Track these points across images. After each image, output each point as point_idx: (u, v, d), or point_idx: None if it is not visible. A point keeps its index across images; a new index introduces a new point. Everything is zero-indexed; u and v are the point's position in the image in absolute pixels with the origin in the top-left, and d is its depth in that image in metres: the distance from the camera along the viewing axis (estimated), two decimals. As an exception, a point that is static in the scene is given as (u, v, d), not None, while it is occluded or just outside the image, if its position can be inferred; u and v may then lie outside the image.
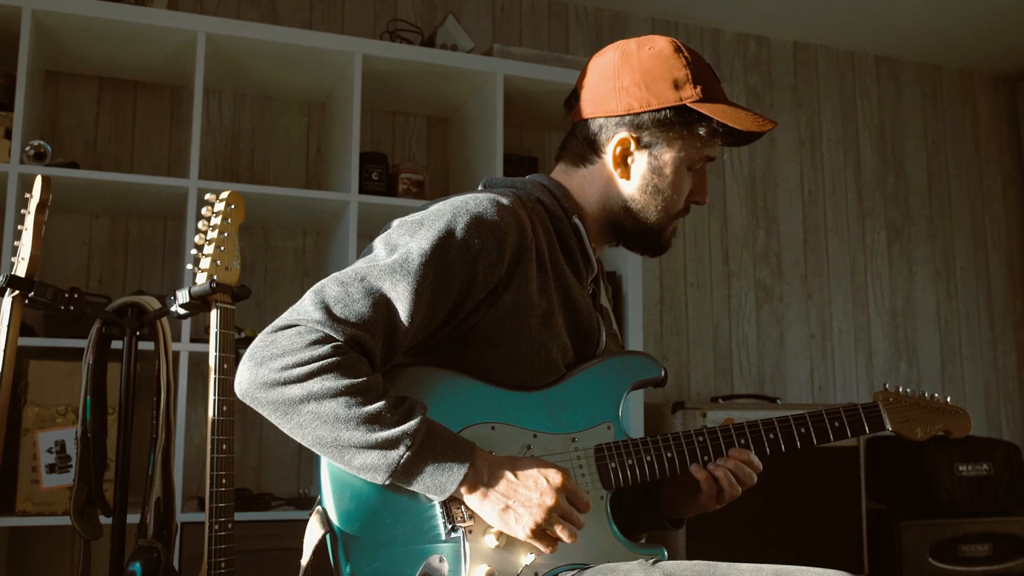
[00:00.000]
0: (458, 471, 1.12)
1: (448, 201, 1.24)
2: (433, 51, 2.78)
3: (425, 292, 1.15)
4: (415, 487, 1.13)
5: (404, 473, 1.10)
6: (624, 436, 1.29)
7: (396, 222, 1.26)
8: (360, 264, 1.19)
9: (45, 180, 1.71)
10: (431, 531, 1.16)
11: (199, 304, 1.66)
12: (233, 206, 1.69)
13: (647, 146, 1.32)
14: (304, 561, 1.16)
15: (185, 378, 2.40)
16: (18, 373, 2.30)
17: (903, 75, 4.05)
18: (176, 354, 2.35)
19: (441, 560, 1.15)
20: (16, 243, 1.71)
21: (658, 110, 1.29)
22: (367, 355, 1.14)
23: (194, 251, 1.68)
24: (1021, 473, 3.31)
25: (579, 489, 1.17)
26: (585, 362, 1.32)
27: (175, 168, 2.83)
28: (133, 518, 1.76)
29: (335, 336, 1.11)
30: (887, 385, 1.43)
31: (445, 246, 1.17)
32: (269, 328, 1.14)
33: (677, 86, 1.29)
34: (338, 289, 1.14)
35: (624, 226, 1.37)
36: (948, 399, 1.45)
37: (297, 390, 1.09)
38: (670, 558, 1.21)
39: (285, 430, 1.13)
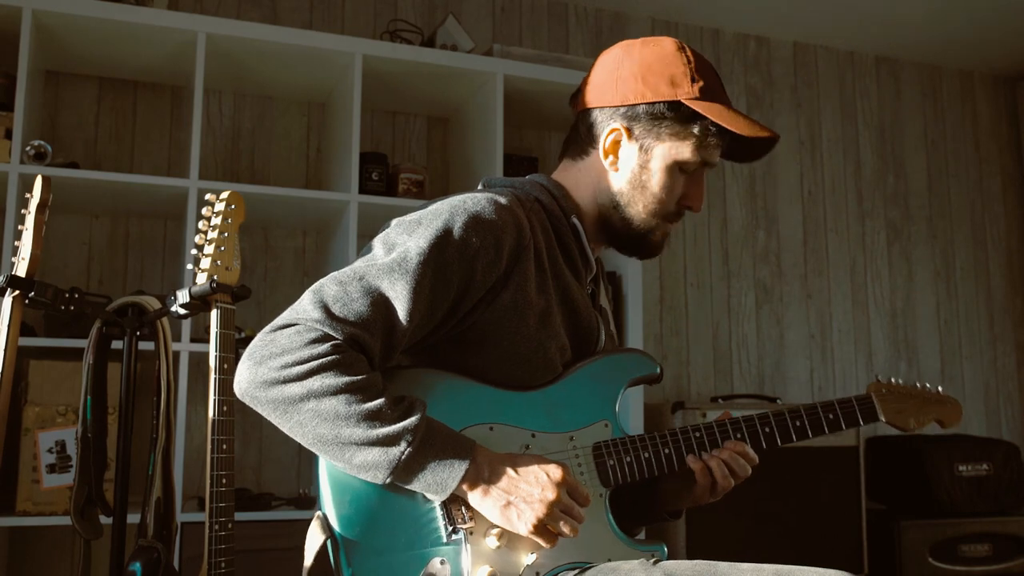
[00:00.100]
0: (459, 467, 1.12)
1: (446, 201, 1.24)
2: (433, 51, 2.78)
3: (423, 291, 1.15)
4: (415, 485, 1.12)
5: (405, 470, 1.10)
6: (621, 433, 1.29)
7: (394, 221, 1.26)
8: (359, 263, 1.19)
9: (45, 180, 1.71)
10: (432, 533, 1.16)
11: (199, 304, 1.66)
12: (233, 206, 1.69)
13: (639, 139, 1.31)
14: (306, 566, 1.16)
15: (185, 378, 2.40)
16: (18, 373, 2.30)
17: (903, 75, 4.05)
18: (176, 354, 2.35)
19: (443, 562, 1.15)
20: (16, 243, 1.71)
21: (652, 103, 1.29)
22: (366, 354, 1.14)
23: (194, 251, 1.68)
24: (1021, 473, 3.31)
25: (579, 483, 1.17)
26: (581, 360, 1.32)
27: (175, 168, 2.83)
28: (133, 518, 1.76)
29: (334, 335, 1.11)
30: (880, 377, 1.44)
31: (443, 245, 1.17)
32: (268, 327, 1.14)
33: (674, 82, 1.29)
34: (337, 288, 1.14)
35: (612, 222, 1.35)
36: (939, 389, 1.46)
37: (297, 388, 1.09)
38: (670, 557, 1.21)
39: (285, 429, 1.13)
